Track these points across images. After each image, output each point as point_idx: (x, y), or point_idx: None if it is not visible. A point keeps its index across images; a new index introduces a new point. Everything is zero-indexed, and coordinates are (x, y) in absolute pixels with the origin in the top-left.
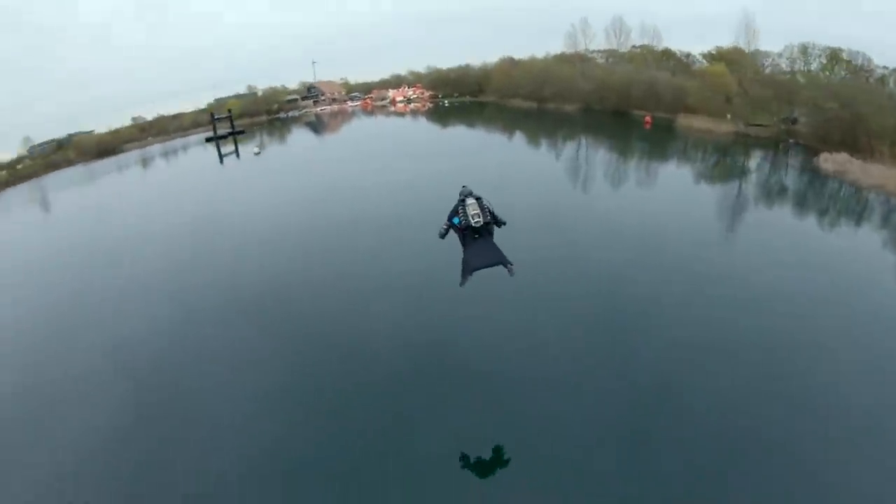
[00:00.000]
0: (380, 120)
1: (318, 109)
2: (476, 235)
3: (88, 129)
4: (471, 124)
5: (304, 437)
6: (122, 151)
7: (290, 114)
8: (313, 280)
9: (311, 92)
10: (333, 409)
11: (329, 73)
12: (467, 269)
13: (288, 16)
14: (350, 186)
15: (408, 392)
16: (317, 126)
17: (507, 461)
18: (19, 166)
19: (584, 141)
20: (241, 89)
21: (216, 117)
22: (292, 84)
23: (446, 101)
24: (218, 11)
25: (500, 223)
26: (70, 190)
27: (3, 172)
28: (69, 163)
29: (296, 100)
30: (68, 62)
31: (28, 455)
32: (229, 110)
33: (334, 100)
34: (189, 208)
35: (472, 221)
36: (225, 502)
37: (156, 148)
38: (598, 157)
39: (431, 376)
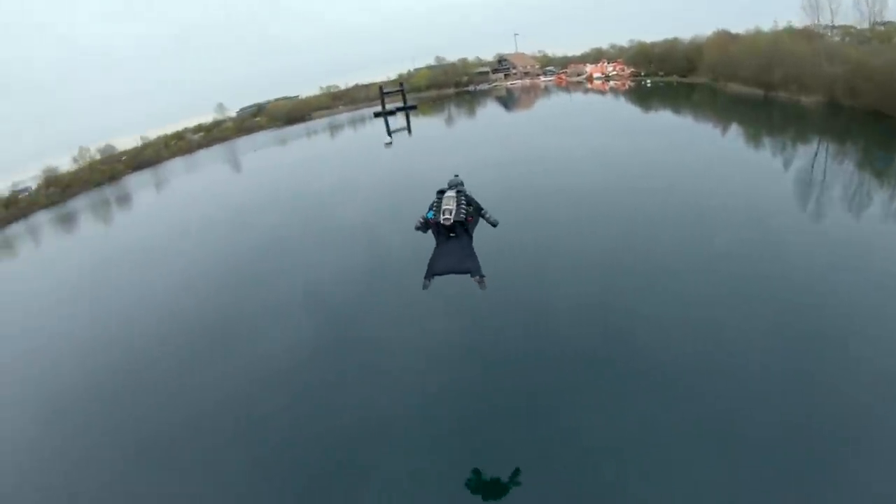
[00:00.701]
0: (575, 98)
1: (509, 83)
2: (452, 234)
3: (293, 95)
4: (676, 109)
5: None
6: (309, 119)
7: (480, 87)
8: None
9: (502, 65)
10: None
11: (530, 45)
12: (430, 272)
13: None
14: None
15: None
16: (507, 101)
17: None
18: (214, 130)
19: (824, 149)
20: (431, 60)
21: (385, 91)
22: (488, 56)
23: (649, 81)
24: None
25: (490, 222)
26: (249, 155)
27: (200, 135)
28: (260, 128)
29: (486, 73)
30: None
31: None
32: (401, 84)
33: (526, 73)
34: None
35: (442, 218)
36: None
37: (343, 117)
38: (841, 175)
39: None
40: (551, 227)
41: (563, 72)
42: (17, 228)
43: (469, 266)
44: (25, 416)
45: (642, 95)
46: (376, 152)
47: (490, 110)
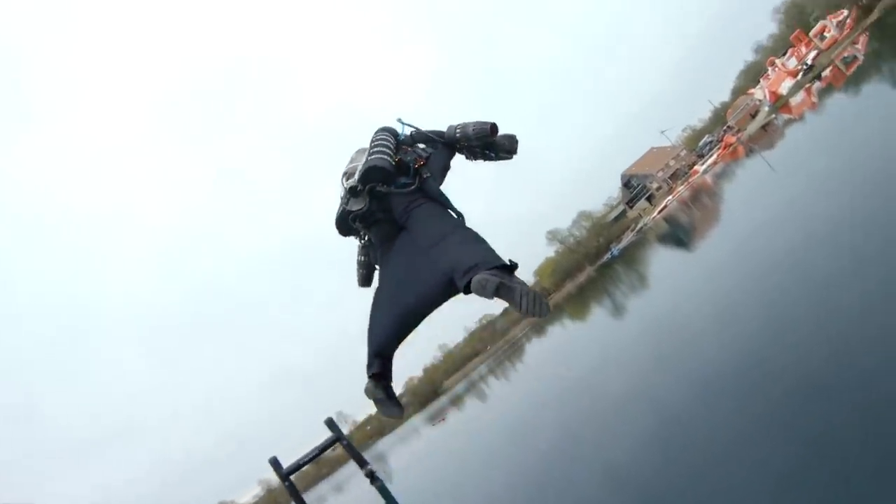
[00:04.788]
0: (781, 156)
1: (659, 211)
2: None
3: None
4: None
5: None
6: None
7: (623, 244)
8: None
9: (631, 189)
10: None
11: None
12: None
13: None
14: None
15: None
16: (677, 236)
17: None
18: None
19: None
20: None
21: None
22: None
23: None
24: None
25: (475, 140)
26: None
27: None
28: None
29: (622, 215)
30: None
31: None
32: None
33: (673, 177)
34: None
35: (341, 198)
36: None
37: None
38: None
39: None
40: None
41: (727, 133)
42: None
43: (452, 263)
44: None
45: None
46: None
47: (670, 273)
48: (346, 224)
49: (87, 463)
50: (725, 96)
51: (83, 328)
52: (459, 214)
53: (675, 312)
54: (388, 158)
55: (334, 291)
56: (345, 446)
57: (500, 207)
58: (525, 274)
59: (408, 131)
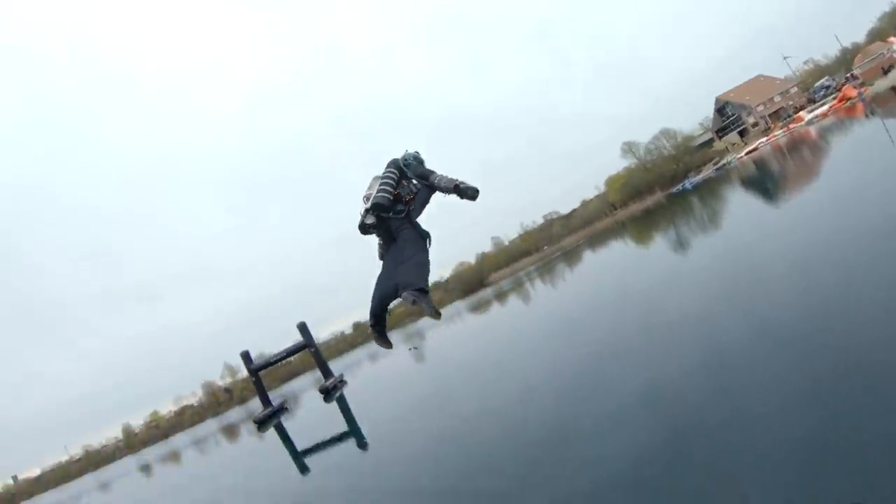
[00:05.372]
0: None
1: (748, 150)
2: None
3: None
4: None
5: None
6: None
7: (701, 175)
8: None
9: (726, 116)
10: None
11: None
12: (372, 311)
13: None
14: None
15: None
16: (762, 181)
17: None
18: None
19: None
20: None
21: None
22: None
23: None
24: None
25: (446, 189)
26: None
27: None
28: None
29: (709, 143)
30: None
31: None
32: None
33: (776, 115)
34: None
35: (360, 213)
36: None
37: None
38: None
39: None
40: None
41: (849, 83)
42: None
43: (400, 278)
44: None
45: None
46: None
47: (747, 222)
48: (364, 230)
49: (157, 301)
50: (859, 36)
51: (165, 177)
52: (427, 235)
53: (744, 262)
54: (388, 196)
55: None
56: (313, 353)
57: (595, 102)
58: (595, 183)
59: (410, 158)
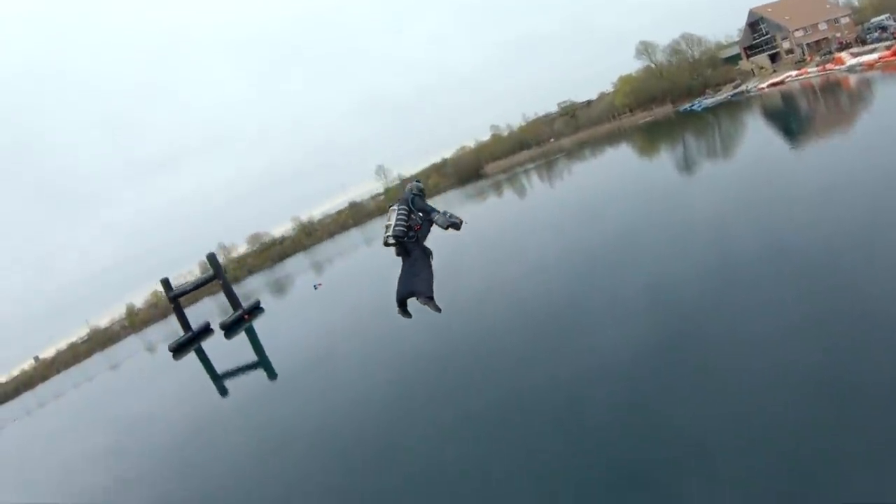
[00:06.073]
0: None
1: (773, 80)
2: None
3: None
4: None
5: None
6: None
7: (719, 95)
8: None
9: (758, 33)
10: None
11: None
12: (397, 299)
13: None
14: None
15: None
16: (785, 116)
17: None
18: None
19: None
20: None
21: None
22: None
23: None
24: None
25: (440, 225)
26: None
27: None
28: None
29: (736, 57)
30: None
31: None
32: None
33: (817, 46)
34: None
35: (384, 235)
36: None
37: None
38: None
39: None
40: None
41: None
42: None
43: (415, 287)
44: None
45: None
46: None
47: (764, 155)
48: (387, 246)
49: (179, 169)
50: None
51: (182, 43)
52: (430, 252)
53: (758, 194)
54: (403, 228)
55: (439, 27)
56: (221, 285)
57: None
58: (606, 82)
59: (413, 193)
